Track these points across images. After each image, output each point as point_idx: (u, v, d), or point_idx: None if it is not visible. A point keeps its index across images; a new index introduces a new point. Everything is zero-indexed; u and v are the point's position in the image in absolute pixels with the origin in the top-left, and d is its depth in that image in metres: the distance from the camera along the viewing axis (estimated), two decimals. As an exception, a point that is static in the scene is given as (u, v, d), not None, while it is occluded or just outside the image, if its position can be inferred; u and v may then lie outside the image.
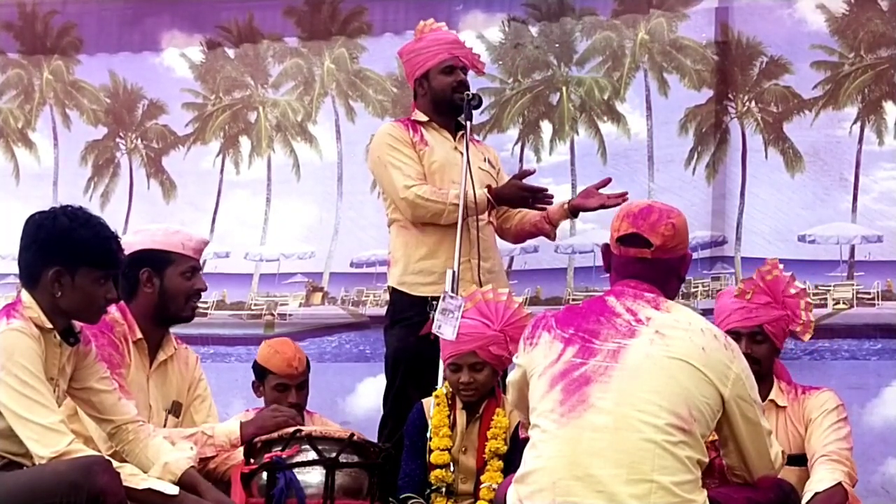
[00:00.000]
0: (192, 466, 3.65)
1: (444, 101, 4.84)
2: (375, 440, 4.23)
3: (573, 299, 5.64)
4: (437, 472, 4.05)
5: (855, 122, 5.52)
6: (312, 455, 3.70)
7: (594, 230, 5.71)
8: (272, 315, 6.20)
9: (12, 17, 6.79)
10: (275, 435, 3.79)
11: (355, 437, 3.78)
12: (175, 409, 4.14)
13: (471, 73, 5.00)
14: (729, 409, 3.14)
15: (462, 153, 4.68)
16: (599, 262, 3.59)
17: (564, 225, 5.79)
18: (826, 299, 5.35)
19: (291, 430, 3.78)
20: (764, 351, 3.95)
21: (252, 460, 3.79)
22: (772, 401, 3.97)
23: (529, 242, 5.62)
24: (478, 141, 5.14)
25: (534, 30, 6.03)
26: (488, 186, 4.77)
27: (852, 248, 5.45)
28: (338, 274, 6.17)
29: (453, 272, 4.43)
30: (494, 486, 3.94)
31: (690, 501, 3.01)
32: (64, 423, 3.42)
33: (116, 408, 3.68)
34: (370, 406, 5.56)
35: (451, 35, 4.97)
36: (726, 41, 5.71)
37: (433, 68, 4.84)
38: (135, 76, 6.64)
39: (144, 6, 6.64)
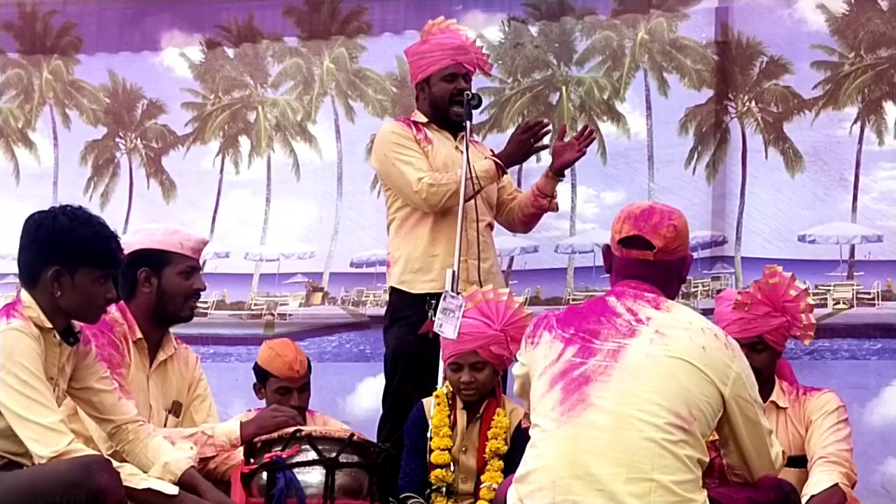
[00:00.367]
0: (192, 466, 3.65)
1: (441, 110, 4.84)
2: (375, 440, 4.23)
3: (573, 299, 5.64)
4: (437, 472, 4.05)
5: (855, 122, 5.52)
6: (312, 455, 3.70)
7: (594, 230, 5.71)
8: (272, 315, 6.20)
9: (12, 16, 6.79)
10: (275, 435, 3.79)
11: (355, 437, 3.78)
12: (175, 409, 4.14)
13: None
14: (729, 409, 3.14)
15: (462, 153, 4.68)
16: (599, 262, 3.59)
17: (564, 225, 5.81)
18: (826, 299, 5.35)
19: (291, 430, 3.78)
20: (764, 359, 3.94)
21: (252, 460, 3.79)
22: (773, 402, 3.96)
23: (529, 243, 5.63)
24: (477, 142, 5.14)
25: (534, 29, 6.03)
26: (493, 153, 4.76)
27: (852, 248, 5.46)
28: (338, 274, 6.17)
29: (453, 272, 4.43)
30: (495, 485, 3.94)
31: (690, 501, 3.01)
32: (63, 423, 3.42)
33: (116, 408, 3.68)
34: (370, 406, 5.56)
35: (457, 40, 4.91)
36: (726, 41, 5.71)
37: (435, 74, 4.84)
38: (134, 76, 6.64)
39: (144, 6, 6.64)
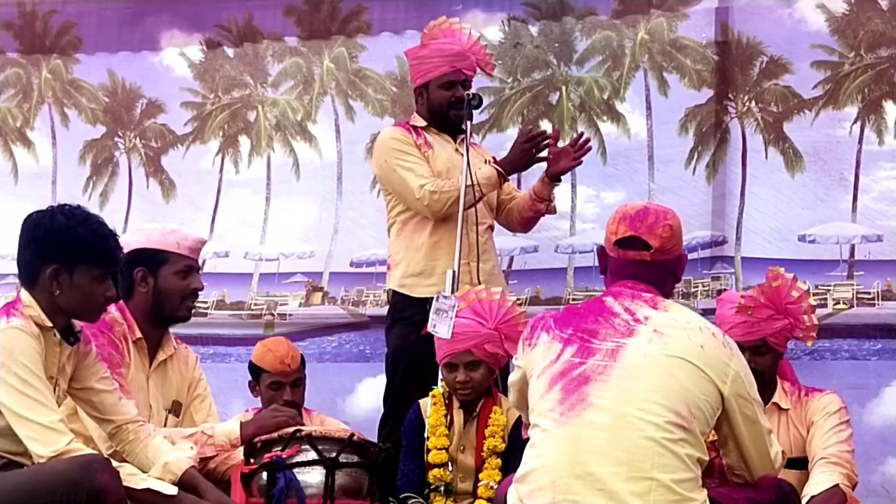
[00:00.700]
0: (193, 466, 3.65)
1: (440, 115, 4.83)
2: (375, 440, 4.23)
3: (573, 299, 5.64)
4: (435, 472, 4.05)
5: (855, 121, 5.52)
6: (312, 455, 3.70)
7: (594, 230, 5.71)
8: (272, 315, 6.19)
9: (12, 16, 6.79)
10: (275, 435, 3.79)
11: (355, 437, 3.78)
12: (175, 409, 4.14)
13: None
14: (728, 407, 3.14)
15: (462, 155, 4.68)
16: (598, 262, 3.59)
17: (564, 225, 5.81)
18: (826, 299, 5.35)
19: (291, 430, 3.78)
20: (767, 362, 3.94)
21: (252, 460, 3.79)
22: (775, 403, 3.96)
23: (529, 243, 5.63)
24: (476, 144, 5.13)
25: (534, 29, 6.03)
26: (494, 159, 4.76)
27: (852, 248, 5.46)
28: (338, 273, 6.17)
29: (453, 272, 4.43)
30: (492, 484, 3.95)
31: (690, 500, 3.01)
32: (63, 423, 3.42)
33: (117, 408, 3.68)
34: (370, 406, 5.56)
35: (456, 45, 4.86)
36: (726, 41, 5.71)
37: (433, 80, 4.82)
38: (134, 75, 6.64)
39: (144, 6, 6.63)
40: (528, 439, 3.22)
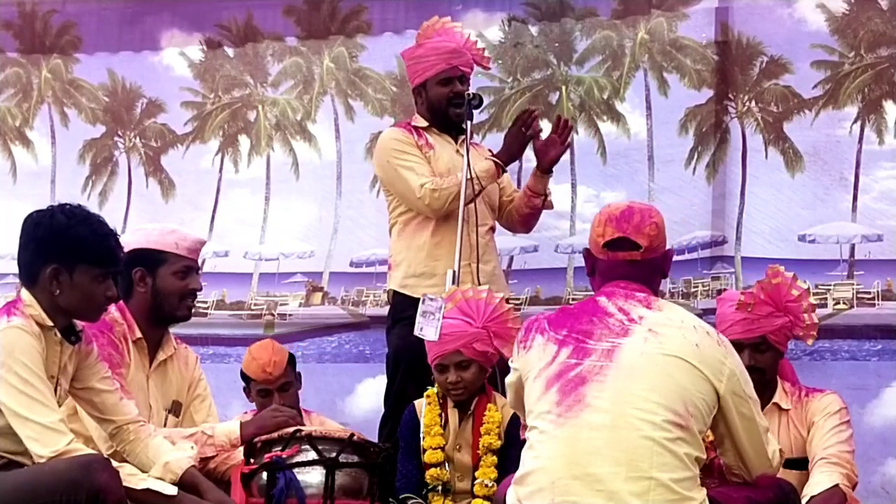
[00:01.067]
0: (193, 466, 3.65)
1: (439, 112, 4.83)
2: (375, 441, 4.23)
3: (573, 299, 5.64)
4: (431, 471, 4.06)
5: (855, 121, 5.52)
6: (312, 455, 3.70)
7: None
8: (272, 315, 6.19)
9: (12, 15, 6.78)
10: (275, 435, 3.79)
11: (355, 437, 3.78)
12: (175, 409, 4.14)
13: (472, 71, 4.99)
14: (724, 405, 3.14)
15: (463, 156, 4.68)
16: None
17: (564, 225, 5.81)
18: (826, 299, 5.35)
19: (291, 430, 3.78)
20: (767, 360, 3.94)
21: (252, 460, 3.79)
22: (775, 403, 3.96)
23: (529, 242, 5.62)
24: (477, 145, 5.13)
25: (534, 29, 6.02)
26: (492, 153, 4.76)
27: (852, 248, 5.46)
28: (338, 273, 6.17)
29: (454, 272, 4.44)
30: (488, 482, 3.96)
31: (689, 499, 3.01)
32: (63, 423, 3.42)
33: (118, 408, 3.67)
34: (369, 407, 5.56)
35: (451, 43, 4.88)
36: (726, 41, 5.70)
37: (431, 79, 4.83)
38: (134, 75, 6.63)
39: (144, 5, 6.63)
40: (525, 441, 3.22)
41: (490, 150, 4.90)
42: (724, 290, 5.28)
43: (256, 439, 3.82)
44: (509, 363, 3.39)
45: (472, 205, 4.63)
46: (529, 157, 5.96)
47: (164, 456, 3.64)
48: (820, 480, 3.72)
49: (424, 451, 4.08)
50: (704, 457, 3.11)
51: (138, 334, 4.03)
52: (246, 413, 4.61)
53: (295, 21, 6.42)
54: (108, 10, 6.69)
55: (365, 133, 6.15)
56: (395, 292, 4.82)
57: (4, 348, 3.39)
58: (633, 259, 3.26)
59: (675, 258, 3.40)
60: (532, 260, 5.81)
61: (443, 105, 4.81)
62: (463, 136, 4.74)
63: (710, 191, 5.63)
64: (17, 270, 3.67)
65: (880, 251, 5.40)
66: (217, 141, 6.51)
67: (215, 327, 6.19)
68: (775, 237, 5.52)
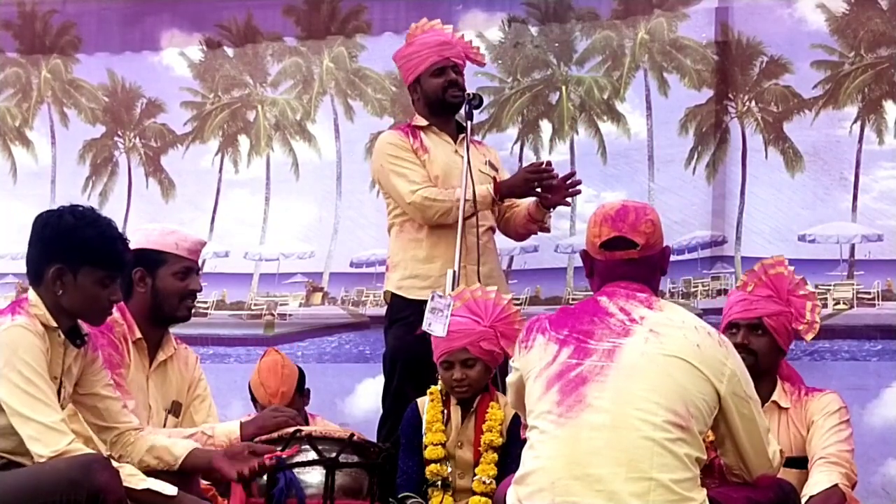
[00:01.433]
0: (196, 450, 3.67)
1: (437, 101, 4.84)
2: (375, 441, 4.23)
3: (573, 299, 5.64)
4: (432, 467, 4.07)
5: (855, 121, 5.52)
6: (312, 455, 3.70)
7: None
8: (272, 315, 6.19)
9: (11, 16, 6.79)
10: (275, 435, 3.79)
11: (355, 437, 3.78)
12: (175, 409, 4.14)
13: (471, 71, 4.98)
14: (725, 406, 3.14)
15: (463, 156, 4.68)
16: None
17: (564, 225, 5.80)
18: (826, 299, 5.35)
19: (291, 430, 3.78)
20: (762, 345, 3.94)
21: (252, 460, 3.78)
22: (774, 402, 3.96)
23: (529, 242, 5.62)
24: (479, 142, 5.13)
25: (534, 29, 6.03)
26: (494, 181, 4.76)
27: (852, 248, 5.46)
28: (338, 274, 6.17)
29: (454, 272, 4.44)
30: (486, 479, 3.96)
31: (689, 499, 3.01)
32: (65, 423, 3.41)
33: (121, 415, 3.68)
34: (369, 407, 5.56)
35: (440, 36, 4.90)
36: (726, 41, 5.71)
37: (424, 72, 4.84)
38: (133, 75, 6.64)
39: (144, 5, 6.63)
40: (526, 440, 3.22)
41: (490, 162, 4.89)
42: (725, 290, 5.29)
43: (256, 439, 3.81)
44: (510, 362, 3.39)
45: (474, 216, 4.64)
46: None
47: (163, 442, 3.64)
48: (819, 480, 3.72)
49: (426, 447, 4.08)
50: (705, 457, 3.11)
51: (138, 334, 4.03)
52: (249, 416, 4.60)
53: (295, 21, 6.43)
54: (108, 10, 6.69)
55: (365, 133, 6.16)
56: (391, 294, 4.83)
57: (8, 347, 3.38)
58: (630, 258, 3.25)
59: (676, 258, 3.41)
60: (532, 260, 5.81)
61: (439, 95, 4.81)
62: (463, 135, 4.74)
63: (710, 191, 5.63)
64: (16, 270, 3.68)
65: (880, 251, 5.40)
66: (217, 141, 6.51)
67: (215, 327, 6.19)
68: (775, 237, 5.52)
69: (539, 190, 4.74)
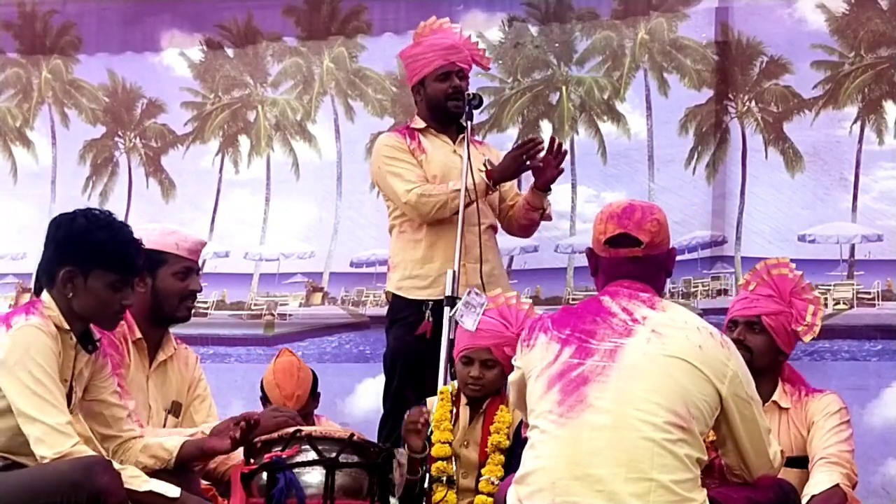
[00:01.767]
0: (189, 440, 3.68)
1: (439, 108, 4.83)
2: (375, 441, 4.23)
3: (573, 299, 5.65)
4: (437, 464, 4.06)
5: (855, 121, 5.52)
6: (312, 455, 3.69)
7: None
8: (272, 315, 6.20)
9: (12, 16, 6.79)
10: (275, 435, 3.78)
11: (355, 437, 3.77)
12: (175, 409, 4.13)
13: (471, 71, 4.98)
14: (726, 407, 3.14)
15: (461, 156, 4.68)
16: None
17: (564, 225, 5.81)
18: (826, 299, 5.35)
19: (291, 430, 3.77)
20: (758, 342, 3.94)
21: (252, 460, 3.78)
22: (774, 402, 3.96)
23: (529, 242, 5.63)
24: (479, 142, 5.13)
25: (534, 29, 6.03)
26: (486, 169, 4.75)
27: (852, 248, 5.46)
28: (338, 274, 6.17)
29: (453, 272, 4.45)
30: (494, 479, 3.96)
31: (690, 500, 3.01)
32: (71, 425, 3.39)
33: (125, 423, 3.68)
34: (369, 407, 5.56)
35: (449, 39, 4.90)
36: (726, 41, 5.71)
37: (429, 75, 4.83)
38: (134, 75, 6.64)
39: (144, 6, 6.64)
40: (527, 440, 3.22)
41: (489, 162, 4.89)
42: (724, 290, 5.29)
43: (256, 439, 3.81)
44: (512, 362, 3.40)
45: (469, 187, 4.63)
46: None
47: (155, 440, 3.66)
48: (820, 480, 3.71)
49: (432, 444, 4.08)
50: (705, 458, 3.10)
51: (138, 335, 4.03)
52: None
53: (295, 21, 6.43)
54: (109, 10, 6.70)
55: (365, 133, 6.16)
56: (392, 294, 4.84)
57: (20, 346, 3.38)
58: (634, 255, 3.25)
59: (676, 258, 3.40)
60: (532, 260, 5.82)
61: (441, 100, 4.81)
62: (462, 135, 4.74)
63: (710, 191, 5.63)
64: (16, 270, 3.67)
65: (880, 251, 5.41)
66: (217, 141, 6.51)
67: (215, 327, 6.19)
68: (775, 237, 5.52)
69: (529, 164, 4.71)
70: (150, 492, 3.46)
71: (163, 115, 6.61)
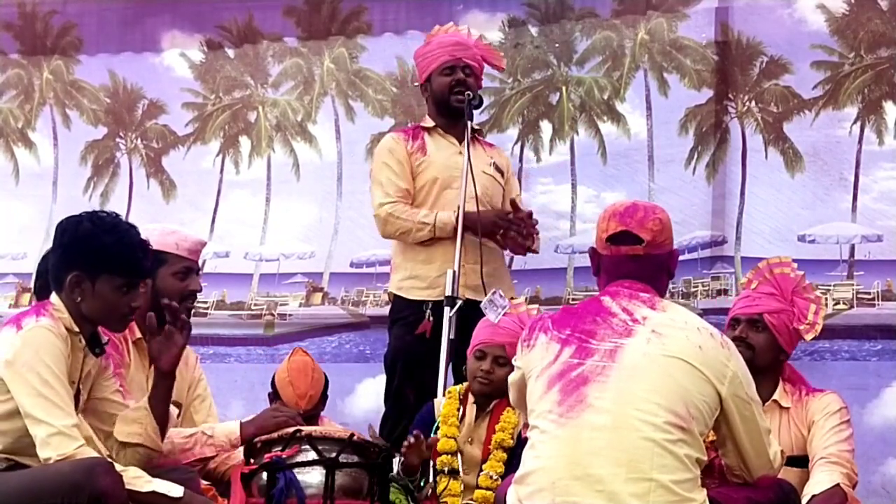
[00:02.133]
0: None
1: (442, 102, 4.84)
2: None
3: (573, 299, 5.65)
4: (442, 458, 4.08)
5: (855, 121, 5.52)
6: (312, 455, 3.69)
7: (594, 230, 5.69)
8: (272, 315, 6.20)
9: (12, 17, 6.80)
10: (275, 435, 3.78)
11: (355, 437, 3.78)
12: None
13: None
14: (726, 408, 3.15)
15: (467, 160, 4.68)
16: (600, 261, 3.59)
17: (564, 225, 5.80)
18: (826, 299, 5.34)
19: (291, 430, 3.77)
20: (761, 341, 3.95)
21: (252, 460, 3.78)
22: (775, 401, 3.97)
23: (529, 242, 5.63)
24: (489, 144, 5.11)
25: (534, 30, 6.03)
26: (465, 213, 4.68)
27: (852, 248, 5.46)
28: (338, 274, 6.18)
29: (454, 272, 4.45)
30: (494, 475, 3.97)
31: (690, 500, 3.01)
32: (77, 428, 3.39)
33: None
34: (369, 407, 5.56)
35: (456, 37, 4.92)
36: (726, 41, 5.71)
37: (434, 71, 4.86)
38: (135, 76, 6.65)
39: (144, 6, 6.65)
40: (527, 440, 3.23)
41: (494, 163, 4.89)
42: (724, 290, 5.29)
43: (256, 439, 3.81)
44: (513, 361, 3.40)
45: (471, 206, 4.63)
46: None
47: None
48: (820, 480, 3.72)
49: (438, 440, 4.10)
50: (705, 458, 3.11)
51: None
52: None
53: (295, 22, 6.44)
54: (109, 11, 6.70)
55: (365, 134, 6.17)
56: (393, 294, 4.85)
57: (30, 347, 3.38)
58: (635, 254, 3.26)
59: (678, 260, 3.40)
60: (532, 260, 5.79)
61: (444, 94, 4.82)
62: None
63: (710, 191, 5.63)
64: (17, 270, 3.68)
65: (880, 251, 5.40)
66: (218, 142, 6.52)
67: (215, 327, 6.19)
68: (775, 237, 5.52)
69: (502, 234, 4.70)
70: (154, 492, 3.46)
71: (164, 115, 6.62)
